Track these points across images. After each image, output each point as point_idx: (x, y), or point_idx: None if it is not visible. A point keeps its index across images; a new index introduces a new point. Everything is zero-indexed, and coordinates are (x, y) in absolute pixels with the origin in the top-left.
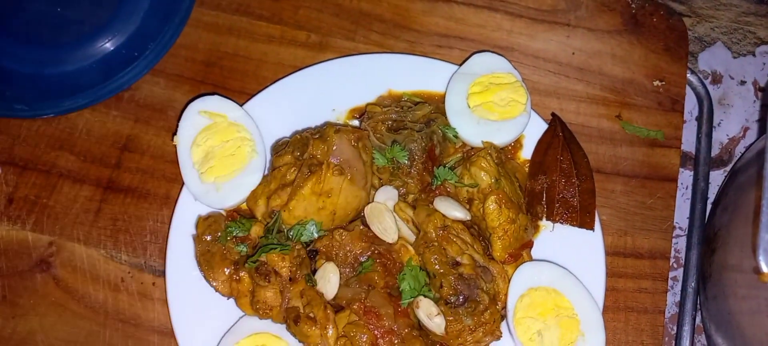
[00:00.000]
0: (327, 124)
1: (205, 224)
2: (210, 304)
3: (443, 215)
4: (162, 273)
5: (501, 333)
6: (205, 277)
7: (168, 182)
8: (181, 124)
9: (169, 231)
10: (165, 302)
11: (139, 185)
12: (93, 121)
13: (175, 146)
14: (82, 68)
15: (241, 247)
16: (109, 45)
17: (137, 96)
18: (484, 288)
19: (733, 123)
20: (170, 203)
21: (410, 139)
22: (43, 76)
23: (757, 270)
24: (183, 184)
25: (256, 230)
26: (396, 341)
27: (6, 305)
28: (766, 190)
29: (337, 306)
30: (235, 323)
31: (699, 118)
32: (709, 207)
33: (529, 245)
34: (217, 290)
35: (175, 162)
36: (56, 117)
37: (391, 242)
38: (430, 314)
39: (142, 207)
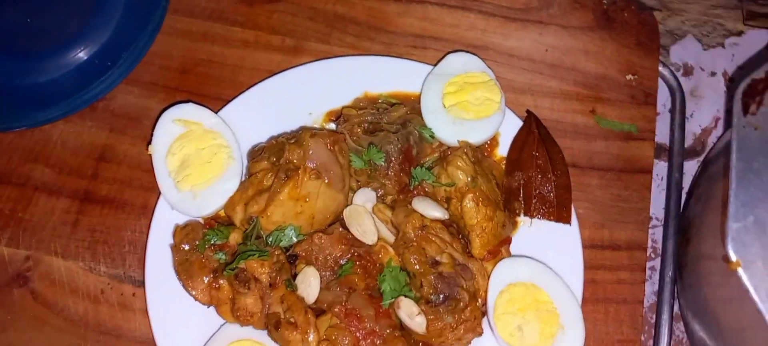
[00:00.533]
0: (302, 129)
1: (183, 232)
2: (191, 313)
3: (422, 215)
4: (142, 283)
5: (482, 330)
6: (184, 286)
7: (145, 191)
8: (156, 133)
9: (147, 241)
10: (146, 313)
11: (117, 195)
12: (68, 132)
13: (151, 155)
14: (55, 79)
15: (220, 255)
16: (82, 55)
17: (112, 105)
18: (464, 286)
19: (705, 114)
20: (148, 212)
21: (387, 141)
22: (16, 88)
23: (726, 259)
24: (160, 193)
25: (235, 237)
26: (378, 342)
27: None
28: (733, 181)
29: (318, 310)
30: (217, 331)
31: (672, 110)
32: (684, 197)
33: (508, 241)
34: (196, 299)
35: (152, 171)
36: (30, 129)
37: (370, 243)
38: (411, 314)
39: (119, 218)
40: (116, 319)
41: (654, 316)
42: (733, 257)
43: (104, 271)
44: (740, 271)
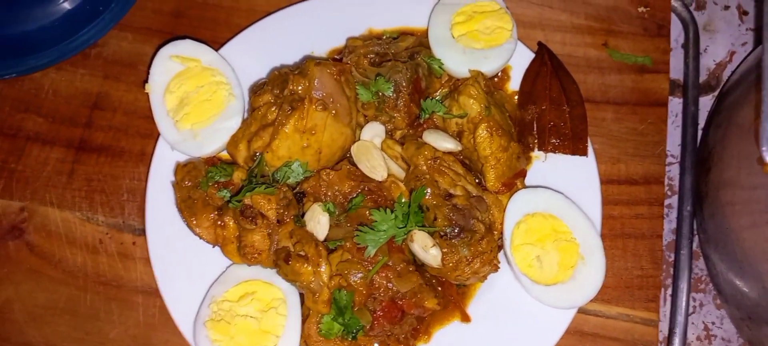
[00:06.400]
0: (306, 59)
1: (185, 170)
2: (195, 257)
3: (433, 147)
4: (142, 232)
5: (499, 263)
6: (187, 224)
7: (143, 138)
8: (153, 70)
9: (147, 183)
10: (147, 261)
11: (113, 142)
12: (59, 81)
13: (148, 101)
14: (44, 26)
15: (224, 192)
16: (69, 3)
17: (105, 52)
18: (480, 218)
19: (720, 48)
20: (146, 159)
21: (395, 71)
22: (4, 37)
23: (761, 161)
24: (159, 137)
25: (239, 176)
26: (392, 276)
27: None
28: (766, 80)
29: (328, 249)
30: (223, 272)
31: (685, 44)
32: (699, 134)
33: (523, 173)
34: (201, 238)
35: (150, 117)
36: (20, 78)
37: (380, 180)
38: (426, 246)
39: (117, 166)
40: (116, 269)
41: (672, 255)
42: (767, 158)
43: (102, 220)
44: None
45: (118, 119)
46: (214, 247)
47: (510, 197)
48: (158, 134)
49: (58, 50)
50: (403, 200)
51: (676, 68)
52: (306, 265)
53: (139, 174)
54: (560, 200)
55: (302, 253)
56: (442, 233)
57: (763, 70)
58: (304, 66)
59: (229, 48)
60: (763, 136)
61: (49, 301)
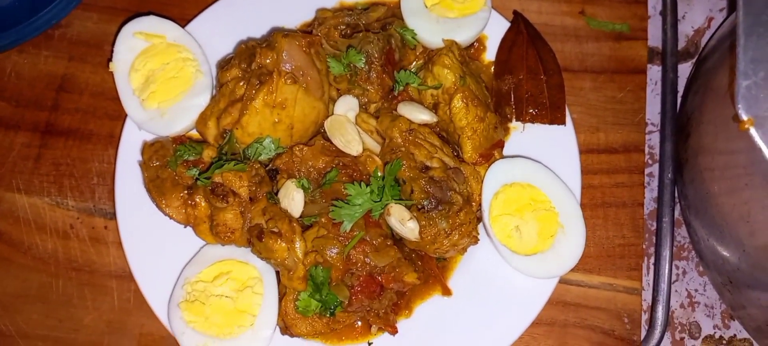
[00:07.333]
0: (273, 31)
1: (152, 149)
2: (167, 239)
3: (409, 119)
4: (113, 216)
5: (478, 235)
6: (156, 205)
7: (111, 119)
8: (116, 48)
9: (115, 165)
10: (120, 245)
11: (80, 125)
12: (22, 64)
13: (115, 81)
14: (3, 7)
15: (194, 170)
16: None
17: (69, 33)
18: (457, 189)
19: (698, 14)
20: (115, 141)
21: (366, 42)
22: None
23: (737, 119)
24: (126, 118)
25: (209, 154)
26: (369, 251)
27: None
28: (741, 36)
29: (303, 226)
30: (196, 253)
31: (663, 11)
32: (679, 101)
33: (500, 144)
34: (171, 218)
35: (118, 99)
36: None
37: (355, 154)
38: (403, 219)
39: (85, 149)
40: (88, 253)
41: (654, 223)
42: (743, 115)
43: (73, 205)
44: (752, 130)
45: (85, 101)
46: (185, 227)
47: (488, 169)
48: (126, 117)
49: (17, 32)
50: (378, 174)
51: (655, 36)
52: (280, 241)
53: (108, 157)
54: (538, 170)
55: (275, 229)
56: (419, 206)
57: (737, 29)
58: (272, 38)
59: (196, 24)
60: (738, 95)
61: (19, 289)
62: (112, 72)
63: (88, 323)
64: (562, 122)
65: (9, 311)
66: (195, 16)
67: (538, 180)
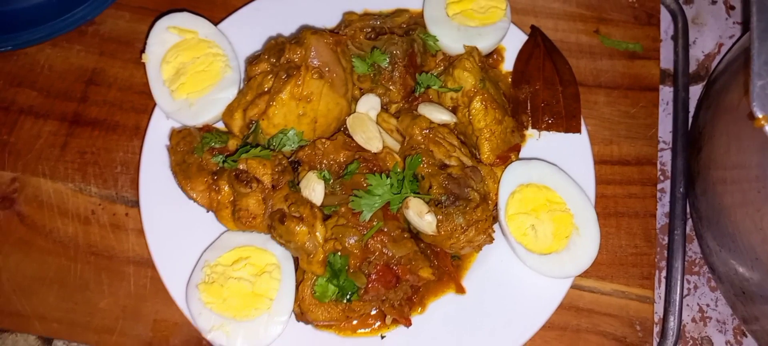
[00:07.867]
0: (303, 28)
1: (179, 135)
2: (188, 227)
3: (429, 119)
4: (135, 203)
5: (494, 233)
6: (181, 188)
7: (137, 113)
8: (150, 40)
9: (141, 153)
10: (140, 232)
11: (107, 117)
12: (55, 57)
13: (144, 77)
14: (40, 4)
15: (219, 157)
16: None
17: (101, 30)
18: (475, 187)
19: (708, 40)
20: (141, 133)
21: (390, 43)
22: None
23: (752, 116)
24: (154, 109)
25: (234, 143)
26: (386, 241)
27: None
28: (755, 40)
29: (323, 216)
30: (216, 238)
31: (675, 35)
32: (690, 121)
33: (517, 148)
34: (195, 202)
35: (145, 93)
36: (15, 53)
37: (375, 151)
38: (421, 212)
39: (111, 139)
40: (108, 239)
41: (666, 238)
42: (758, 113)
43: (95, 192)
44: (767, 128)
45: (113, 95)
46: (208, 212)
47: (504, 170)
48: (153, 108)
49: (52, 26)
50: (398, 170)
51: (667, 59)
52: (301, 225)
53: (133, 147)
54: (554, 172)
55: (297, 214)
56: (437, 201)
57: (751, 33)
58: (301, 35)
59: (227, 24)
60: (753, 94)
61: (38, 271)
62: (142, 65)
63: (104, 307)
64: (578, 130)
65: (27, 293)
66: (223, 18)
67: (553, 182)
